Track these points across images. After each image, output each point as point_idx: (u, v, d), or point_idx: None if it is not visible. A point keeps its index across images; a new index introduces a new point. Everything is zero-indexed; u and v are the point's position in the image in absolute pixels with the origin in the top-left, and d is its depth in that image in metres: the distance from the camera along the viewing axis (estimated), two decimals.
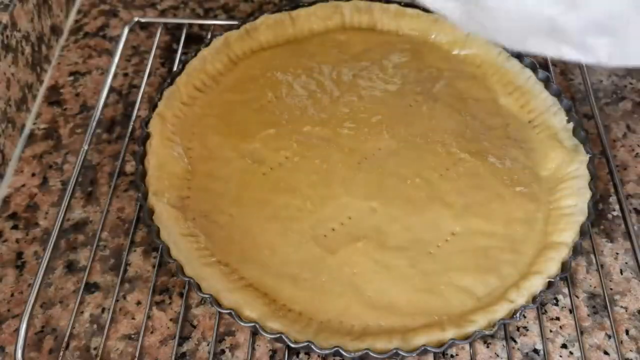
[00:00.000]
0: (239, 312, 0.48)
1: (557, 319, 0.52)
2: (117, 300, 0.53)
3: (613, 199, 0.60)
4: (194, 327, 0.51)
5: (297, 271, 0.51)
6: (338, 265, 0.52)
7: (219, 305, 0.48)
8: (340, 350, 0.45)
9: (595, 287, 0.54)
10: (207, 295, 0.48)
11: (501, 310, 0.48)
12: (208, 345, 0.50)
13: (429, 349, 0.46)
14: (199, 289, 0.49)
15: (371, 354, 0.45)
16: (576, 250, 0.51)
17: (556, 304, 0.53)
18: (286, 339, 0.46)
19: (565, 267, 0.51)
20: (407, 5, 0.69)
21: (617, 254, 0.57)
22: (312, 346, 0.46)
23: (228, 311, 0.47)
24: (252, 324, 0.47)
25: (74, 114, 0.66)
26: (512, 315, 0.48)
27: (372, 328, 0.49)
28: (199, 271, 0.50)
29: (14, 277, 0.54)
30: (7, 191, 0.60)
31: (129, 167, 0.61)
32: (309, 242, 0.53)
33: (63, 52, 0.72)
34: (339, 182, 0.57)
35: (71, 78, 0.69)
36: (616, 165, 0.62)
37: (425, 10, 0.69)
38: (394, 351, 0.45)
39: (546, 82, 0.63)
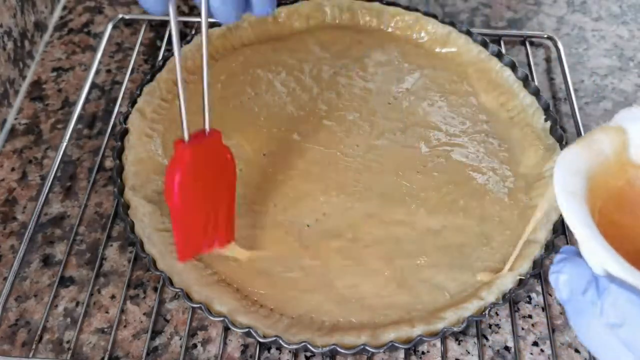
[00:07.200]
0: (210, 306, 0.48)
1: (530, 316, 0.52)
2: (91, 294, 0.53)
3: None
4: (167, 321, 0.52)
5: (269, 267, 0.52)
6: (311, 261, 0.52)
7: (190, 299, 0.48)
8: (308, 345, 0.46)
9: None
10: (178, 289, 0.48)
11: (471, 308, 0.48)
12: (180, 339, 0.50)
13: (397, 345, 0.46)
14: (171, 283, 0.49)
15: (339, 349, 0.46)
16: (549, 249, 0.51)
17: (529, 302, 0.53)
18: (255, 334, 0.46)
19: (537, 264, 0.51)
20: (388, 3, 0.69)
21: None
22: (281, 341, 0.46)
23: (198, 305, 0.48)
24: (222, 318, 0.47)
25: (56, 110, 0.66)
26: (482, 312, 0.48)
27: (343, 324, 0.49)
28: (171, 265, 0.50)
29: None
30: None
31: (109, 163, 0.61)
32: (283, 239, 0.53)
33: (47, 48, 0.72)
34: (315, 178, 0.57)
35: (54, 74, 0.69)
36: None
37: (407, 8, 0.69)
38: (362, 347, 0.46)
39: (525, 81, 0.63)
